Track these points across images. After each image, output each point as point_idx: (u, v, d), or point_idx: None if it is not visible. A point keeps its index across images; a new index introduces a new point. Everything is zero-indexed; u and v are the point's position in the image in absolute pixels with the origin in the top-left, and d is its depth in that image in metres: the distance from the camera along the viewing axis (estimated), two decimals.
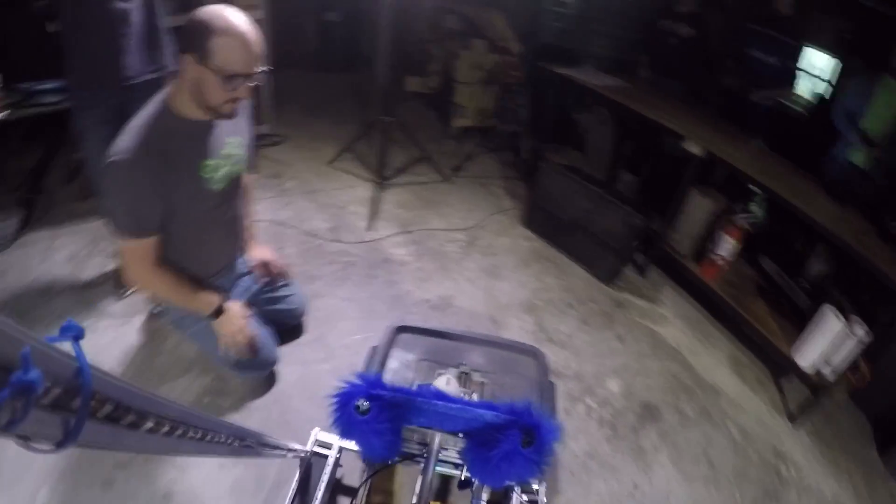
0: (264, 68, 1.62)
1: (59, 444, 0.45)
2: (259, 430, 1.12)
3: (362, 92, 5.13)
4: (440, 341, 1.97)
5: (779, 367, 2.78)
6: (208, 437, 0.78)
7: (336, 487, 1.74)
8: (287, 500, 1.52)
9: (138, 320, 2.44)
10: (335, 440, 1.74)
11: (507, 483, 1.28)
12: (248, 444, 1.01)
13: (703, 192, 3.16)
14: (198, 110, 1.63)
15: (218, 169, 1.79)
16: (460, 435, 1.20)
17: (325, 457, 1.69)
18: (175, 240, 1.79)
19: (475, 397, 1.87)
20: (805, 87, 4.31)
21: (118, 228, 1.68)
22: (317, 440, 1.72)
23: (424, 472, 1.17)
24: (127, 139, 1.56)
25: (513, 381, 1.96)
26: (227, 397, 2.16)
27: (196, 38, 1.49)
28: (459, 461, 1.30)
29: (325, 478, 1.58)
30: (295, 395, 2.20)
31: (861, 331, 2.36)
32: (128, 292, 2.56)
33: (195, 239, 1.88)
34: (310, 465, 1.66)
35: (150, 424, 0.58)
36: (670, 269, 3.34)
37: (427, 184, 3.90)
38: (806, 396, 2.59)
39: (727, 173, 3.32)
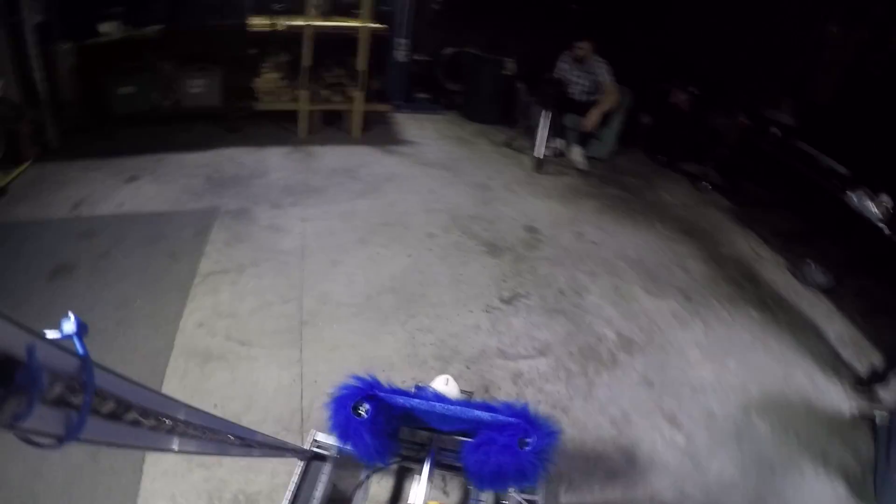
0: None
1: (62, 440, 0.38)
2: (259, 431, 0.94)
3: None
4: None
5: None
6: (208, 436, 0.68)
7: (334, 489, 1.43)
8: (286, 501, 1.22)
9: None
10: (334, 441, 1.39)
11: (506, 485, 1.07)
12: (248, 444, 0.86)
13: None
14: None
15: None
16: (458, 437, 1.04)
17: (324, 458, 1.35)
18: None
19: None
20: None
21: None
22: (315, 441, 1.37)
23: (423, 473, 1.01)
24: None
25: None
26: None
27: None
28: (457, 463, 1.08)
29: (323, 478, 1.27)
30: None
31: None
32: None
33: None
34: (308, 466, 1.33)
35: (152, 422, 0.51)
36: None
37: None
38: None
39: None
